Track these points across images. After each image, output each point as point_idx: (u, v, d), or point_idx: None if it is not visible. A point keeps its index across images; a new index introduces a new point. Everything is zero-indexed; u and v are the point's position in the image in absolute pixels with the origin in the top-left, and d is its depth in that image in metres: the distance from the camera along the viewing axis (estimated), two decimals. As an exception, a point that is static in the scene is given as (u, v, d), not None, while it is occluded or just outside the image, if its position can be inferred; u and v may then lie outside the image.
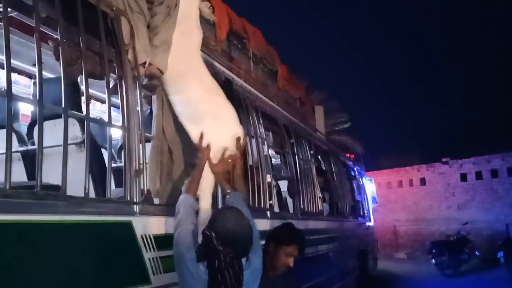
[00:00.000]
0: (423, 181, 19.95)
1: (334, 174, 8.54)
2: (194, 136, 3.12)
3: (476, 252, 13.86)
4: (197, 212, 2.88)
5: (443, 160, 19.55)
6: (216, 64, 4.34)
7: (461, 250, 13.63)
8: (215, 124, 3.13)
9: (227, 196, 3.05)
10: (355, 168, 11.85)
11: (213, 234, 2.30)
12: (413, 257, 18.57)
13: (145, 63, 3.04)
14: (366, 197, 12.32)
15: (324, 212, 7.38)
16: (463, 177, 18.80)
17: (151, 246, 2.82)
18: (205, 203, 3.01)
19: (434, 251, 13.77)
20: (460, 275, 13.13)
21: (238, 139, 3.18)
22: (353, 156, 12.27)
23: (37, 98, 2.39)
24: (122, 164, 2.91)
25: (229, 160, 3.13)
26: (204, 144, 3.07)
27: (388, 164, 21.30)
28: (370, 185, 14.09)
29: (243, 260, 2.42)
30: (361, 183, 12.35)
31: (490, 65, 36.71)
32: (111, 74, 2.97)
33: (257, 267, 2.56)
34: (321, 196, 7.25)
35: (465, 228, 14.66)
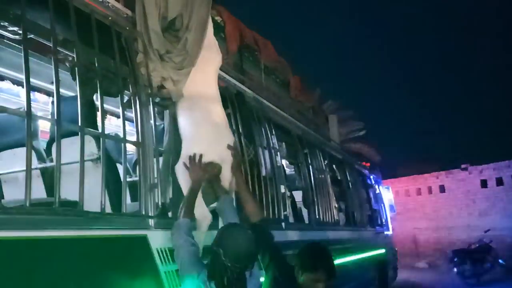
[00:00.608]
0: (442, 188, 19.66)
1: (350, 183, 8.51)
2: (186, 154, 3.21)
3: (500, 260, 13.55)
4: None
5: (462, 166, 19.26)
6: (228, 77, 4.42)
7: (484, 258, 13.35)
8: (210, 149, 3.25)
9: (219, 199, 3.23)
10: (372, 177, 11.77)
11: (221, 251, 2.45)
12: (434, 266, 18.26)
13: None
14: (384, 205, 12.20)
15: (340, 222, 7.35)
16: (484, 183, 18.48)
17: (166, 260, 2.87)
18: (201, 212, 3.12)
19: (456, 260, 13.51)
20: (483, 284, 12.85)
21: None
22: (369, 164, 12.19)
23: (55, 116, 2.48)
24: (137, 178, 2.98)
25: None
26: (198, 166, 3.15)
27: (406, 171, 21.06)
28: (387, 194, 13.95)
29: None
30: (378, 191, 12.26)
31: (509, 68, 36.17)
32: (126, 91, 3.06)
33: (258, 277, 2.74)
34: (336, 205, 7.23)
35: (487, 236, 14.36)
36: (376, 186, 12.07)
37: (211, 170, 3.23)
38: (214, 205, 3.34)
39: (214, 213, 3.27)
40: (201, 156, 3.16)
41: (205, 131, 3.30)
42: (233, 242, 2.48)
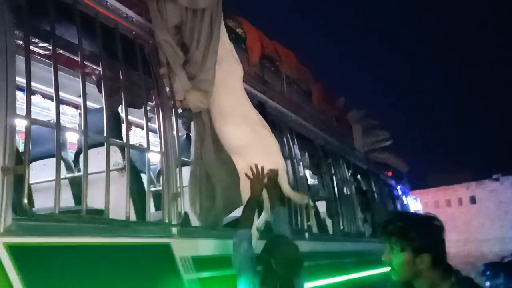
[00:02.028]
0: (473, 200, 19.28)
1: (375, 194, 8.41)
2: (242, 168, 3.28)
3: (535, 274, 13.09)
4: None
5: (494, 176, 18.87)
6: (249, 87, 4.48)
7: (518, 272, 12.93)
8: (260, 156, 3.30)
9: (274, 210, 3.30)
10: (398, 187, 11.60)
11: (273, 260, 2.64)
12: (465, 279, 17.72)
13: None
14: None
15: (366, 234, 7.27)
16: (516, 194, 17.98)
17: (189, 268, 2.92)
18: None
19: (488, 273, 13.11)
20: (517, 299, 12.43)
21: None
22: (396, 174, 12.02)
23: (82, 128, 2.59)
24: (161, 188, 3.06)
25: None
26: (255, 177, 3.22)
27: (435, 182, 20.73)
28: (415, 205, 13.72)
29: None
30: (405, 202, 12.07)
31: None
32: (149, 102, 3.16)
33: (303, 284, 2.94)
34: (362, 216, 7.17)
35: (521, 248, 13.90)
36: (404, 197, 11.89)
37: (271, 179, 3.31)
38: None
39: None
40: (262, 167, 3.23)
41: (257, 142, 3.38)
42: (284, 252, 2.70)
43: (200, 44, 3.26)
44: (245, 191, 3.23)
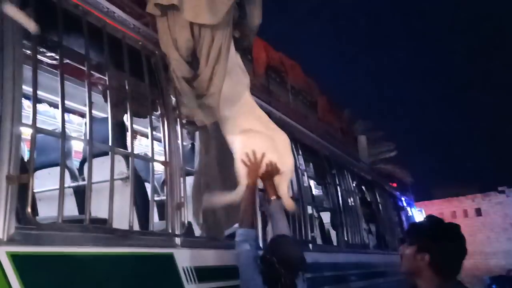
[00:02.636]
0: (478, 212, 19.11)
1: (380, 205, 8.38)
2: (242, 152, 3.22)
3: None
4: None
5: (500, 189, 18.70)
6: (255, 98, 4.48)
7: (525, 285, 12.80)
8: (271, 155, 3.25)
9: (270, 202, 3.26)
10: (403, 199, 11.55)
11: (275, 259, 2.64)
12: (470, 292, 17.56)
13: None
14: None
15: (370, 245, 7.23)
16: (523, 207, 17.85)
17: (192, 278, 2.92)
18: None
19: (494, 287, 13.01)
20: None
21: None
22: (400, 185, 11.97)
23: (87, 137, 2.60)
24: (165, 197, 3.06)
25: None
26: (252, 164, 3.17)
27: (440, 194, 20.58)
28: (420, 216, 13.64)
29: None
30: (411, 214, 12.00)
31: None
32: (154, 112, 3.17)
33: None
34: (366, 228, 7.13)
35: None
36: (408, 209, 11.83)
37: (269, 168, 3.24)
38: None
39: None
40: (263, 154, 3.18)
41: (269, 143, 3.33)
42: (285, 251, 2.70)
43: (209, 60, 3.21)
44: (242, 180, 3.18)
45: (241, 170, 3.18)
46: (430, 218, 2.28)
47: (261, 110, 3.59)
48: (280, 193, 3.32)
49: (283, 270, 2.62)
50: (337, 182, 6.33)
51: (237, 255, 2.84)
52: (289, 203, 3.44)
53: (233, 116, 3.37)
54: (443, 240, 2.04)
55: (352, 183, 6.98)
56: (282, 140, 3.45)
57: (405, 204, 11.51)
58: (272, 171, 3.25)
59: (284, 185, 3.34)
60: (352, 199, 6.70)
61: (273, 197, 3.26)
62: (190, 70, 3.23)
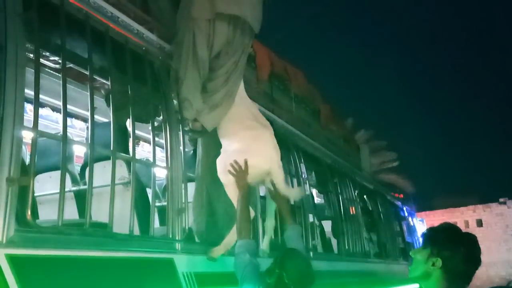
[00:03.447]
0: (479, 223, 19.00)
1: (381, 214, 8.34)
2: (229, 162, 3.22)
3: (542, 300, 12.85)
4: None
5: (500, 200, 18.62)
6: (257, 105, 4.49)
7: (525, 296, 12.70)
8: (251, 156, 3.23)
9: (288, 228, 3.29)
10: (405, 208, 11.50)
11: (285, 274, 2.60)
12: (471, 303, 17.42)
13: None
14: (417, 239, 11.86)
15: (371, 254, 7.19)
16: (523, 218, 17.77)
17: (192, 284, 2.90)
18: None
19: (494, 298, 12.89)
20: (524, 324, 12.18)
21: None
22: (402, 195, 11.93)
23: (89, 141, 2.60)
24: (166, 203, 3.05)
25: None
26: (238, 173, 3.16)
27: (441, 204, 20.49)
28: (421, 227, 13.58)
29: None
30: (412, 224, 11.94)
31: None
32: (157, 117, 3.17)
33: None
34: (367, 237, 7.10)
35: (528, 273, 13.69)
36: (410, 219, 11.77)
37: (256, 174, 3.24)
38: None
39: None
40: (245, 161, 3.17)
41: (247, 143, 3.32)
42: (296, 266, 2.66)
43: (229, 65, 3.38)
44: (233, 193, 3.18)
45: (229, 185, 3.18)
46: (446, 224, 2.28)
47: (250, 103, 3.60)
48: (280, 189, 3.32)
49: (292, 285, 2.59)
50: (339, 191, 6.31)
51: (237, 266, 2.81)
52: (292, 194, 3.45)
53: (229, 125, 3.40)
54: (457, 246, 2.02)
55: (354, 192, 6.95)
56: (265, 138, 3.40)
57: (406, 214, 11.46)
58: (259, 173, 3.25)
59: (279, 182, 3.31)
60: (353, 208, 6.67)
61: (289, 223, 3.29)
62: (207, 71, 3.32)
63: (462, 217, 19.53)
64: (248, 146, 3.28)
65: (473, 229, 19.00)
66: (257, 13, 3.42)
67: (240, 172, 3.15)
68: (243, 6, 3.30)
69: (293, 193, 3.52)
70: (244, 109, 3.47)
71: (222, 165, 3.23)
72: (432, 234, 2.17)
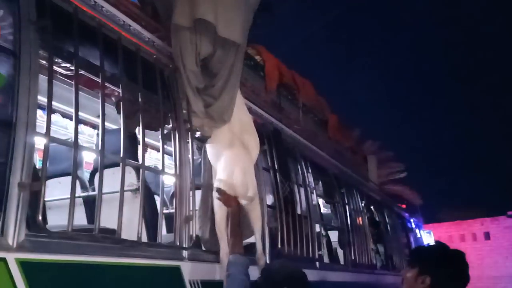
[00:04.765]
0: (487, 236, 18.80)
1: (388, 226, 8.31)
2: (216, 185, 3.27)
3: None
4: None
5: (509, 213, 18.43)
6: (265, 114, 4.52)
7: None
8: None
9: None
10: (412, 220, 11.44)
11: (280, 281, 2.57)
12: (479, 318, 17.21)
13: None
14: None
15: (377, 265, 7.15)
16: (532, 232, 17.57)
17: (198, 291, 2.90)
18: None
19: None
20: None
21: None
22: (409, 207, 11.86)
23: (99, 148, 2.62)
24: (173, 210, 3.06)
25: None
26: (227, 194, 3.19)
27: (449, 216, 20.31)
28: (429, 239, 13.48)
29: None
30: (419, 235, 11.86)
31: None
32: (166, 125, 3.19)
33: None
34: (374, 248, 7.07)
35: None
36: (417, 230, 11.70)
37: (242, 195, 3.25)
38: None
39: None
40: (227, 183, 3.19)
41: (229, 160, 3.34)
42: (287, 270, 2.65)
43: (223, 74, 3.34)
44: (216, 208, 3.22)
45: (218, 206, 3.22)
46: (434, 242, 2.31)
47: (244, 111, 3.59)
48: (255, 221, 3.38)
49: None
50: (346, 201, 6.30)
51: (228, 282, 2.79)
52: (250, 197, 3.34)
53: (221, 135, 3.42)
54: (445, 264, 2.05)
55: (361, 202, 6.94)
56: (248, 160, 3.44)
57: (413, 226, 11.39)
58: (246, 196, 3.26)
59: (240, 192, 3.25)
60: (360, 219, 6.65)
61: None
62: (203, 81, 3.31)
63: (470, 229, 19.35)
64: (229, 167, 3.30)
65: (480, 241, 18.83)
66: (236, 17, 3.28)
67: (224, 196, 3.17)
68: (213, 9, 3.17)
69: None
70: (234, 125, 3.47)
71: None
72: (419, 253, 2.24)
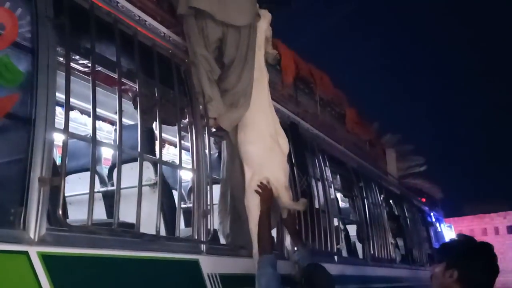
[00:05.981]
0: (510, 229, 18.47)
1: (408, 220, 8.22)
2: (249, 179, 3.32)
3: None
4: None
5: (532, 206, 18.04)
6: (282, 108, 4.50)
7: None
8: (267, 170, 3.33)
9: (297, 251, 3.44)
10: (432, 214, 11.29)
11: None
12: (502, 312, 16.93)
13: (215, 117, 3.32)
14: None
15: (397, 259, 7.08)
16: (555, 225, 17.19)
17: (217, 285, 2.91)
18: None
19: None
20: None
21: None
22: (429, 201, 11.71)
23: (117, 143, 2.65)
24: (191, 205, 3.08)
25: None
26: (265, 192, 3.23)
27: (471, 210, 20.00)
28: (449, 233, 13.30)
29: None
30: (439, 230, 11.71)
31: None
32: (183, 120, 3.21)
33: None
34: (393, 242, 7.00)
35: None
36: (437, 224, 11.55)
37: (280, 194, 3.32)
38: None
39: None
40: (268, 182, 3.27)
41: (267, 156, 3.38)
42: (320, 283, 2.78)
43: (237, 59, 3.34)
44: (252, 203, 3.25)
45: (252, 200, 3.25)
46: (460, 236, 2.29)
47: (271, 115, 3.59)
48: (285, 204, 3.39)
49: None
50: (364, 195, 6.26)
51: (258, 278, 2.83)
52: (296, 207, 3.52)
53: (244, 121, 3.42)
54: (472, 256, 2.03)
55: (380, 196, 6.88)
56: (278, 160, 3.46)
57: (434, 220, 11.25)
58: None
59: (285, 202, 3.37)
60: (379, 213, 6.59)
61: (299, 246, 3.44)
62: (217, 68, 3.32)
63: (492, 223, 19.06)
64: (263, 165, 3.35)
65: (503, 235, 18.51)
66: (235, 5, 3.32)
67: (264, 192, 3.24)
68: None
69: (299, 206, 3.58)
70: (267, 125, 3.49)
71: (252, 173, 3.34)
72: (445, 247, 2.23)
